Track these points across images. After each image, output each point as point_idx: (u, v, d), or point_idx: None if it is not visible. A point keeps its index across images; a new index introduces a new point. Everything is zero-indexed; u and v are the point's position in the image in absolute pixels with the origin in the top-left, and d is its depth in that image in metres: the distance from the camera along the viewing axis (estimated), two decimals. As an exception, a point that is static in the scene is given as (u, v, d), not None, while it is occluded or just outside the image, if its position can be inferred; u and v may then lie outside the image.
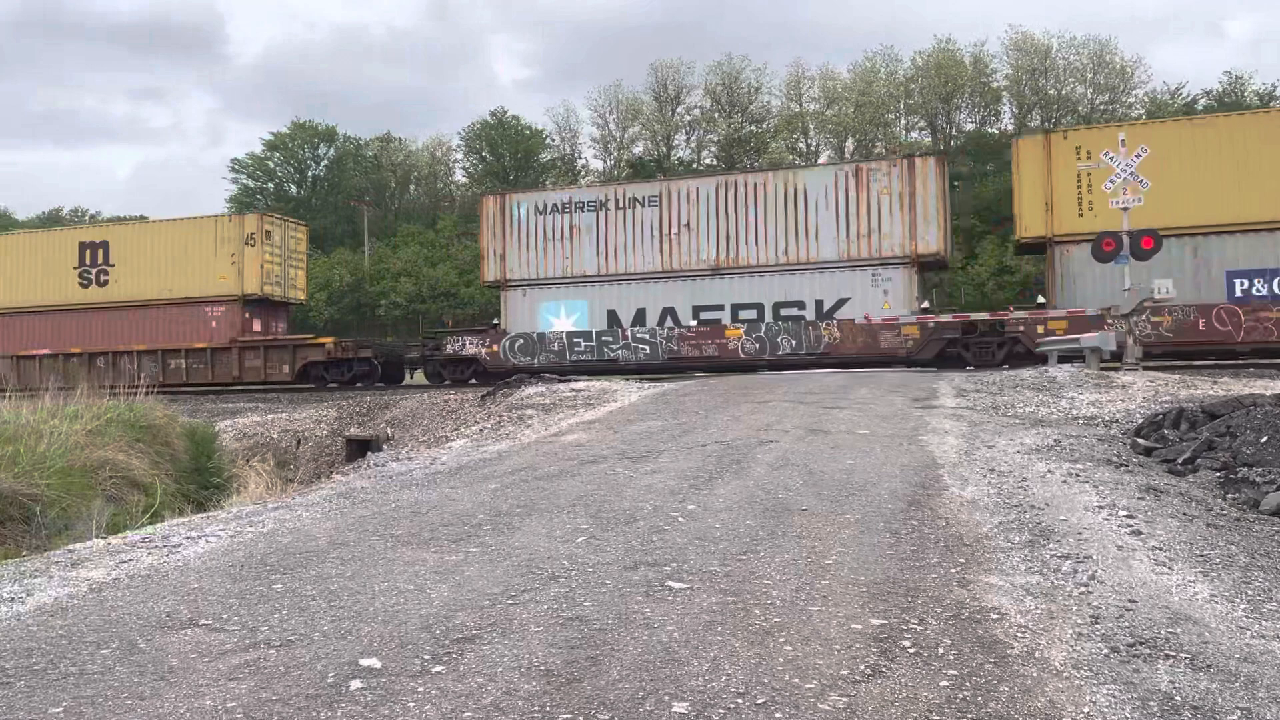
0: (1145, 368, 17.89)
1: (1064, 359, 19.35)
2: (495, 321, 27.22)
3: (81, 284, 29.26)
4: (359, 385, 26.50)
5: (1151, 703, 3.32)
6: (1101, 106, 58.45)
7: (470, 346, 26.37)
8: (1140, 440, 9.41)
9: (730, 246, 25.22)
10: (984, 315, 24.20)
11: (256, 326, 28.47)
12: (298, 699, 3.33)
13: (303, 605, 4.47)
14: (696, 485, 7.33)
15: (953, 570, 4.92)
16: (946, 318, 24.06)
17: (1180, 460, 8.35)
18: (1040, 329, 22.44)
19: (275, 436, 20.39)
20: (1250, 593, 4.68)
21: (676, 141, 67.28)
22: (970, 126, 62.42)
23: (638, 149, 67.27)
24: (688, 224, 25.49)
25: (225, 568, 5.24)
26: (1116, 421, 11.02)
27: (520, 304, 26.46)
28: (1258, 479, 7.43)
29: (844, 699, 3.29)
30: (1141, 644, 3.88)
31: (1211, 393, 12.46)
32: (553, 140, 70.25)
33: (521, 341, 25.96)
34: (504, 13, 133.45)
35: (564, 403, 15.09)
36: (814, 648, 3.78)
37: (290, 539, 5.97)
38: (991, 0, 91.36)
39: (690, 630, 3.99)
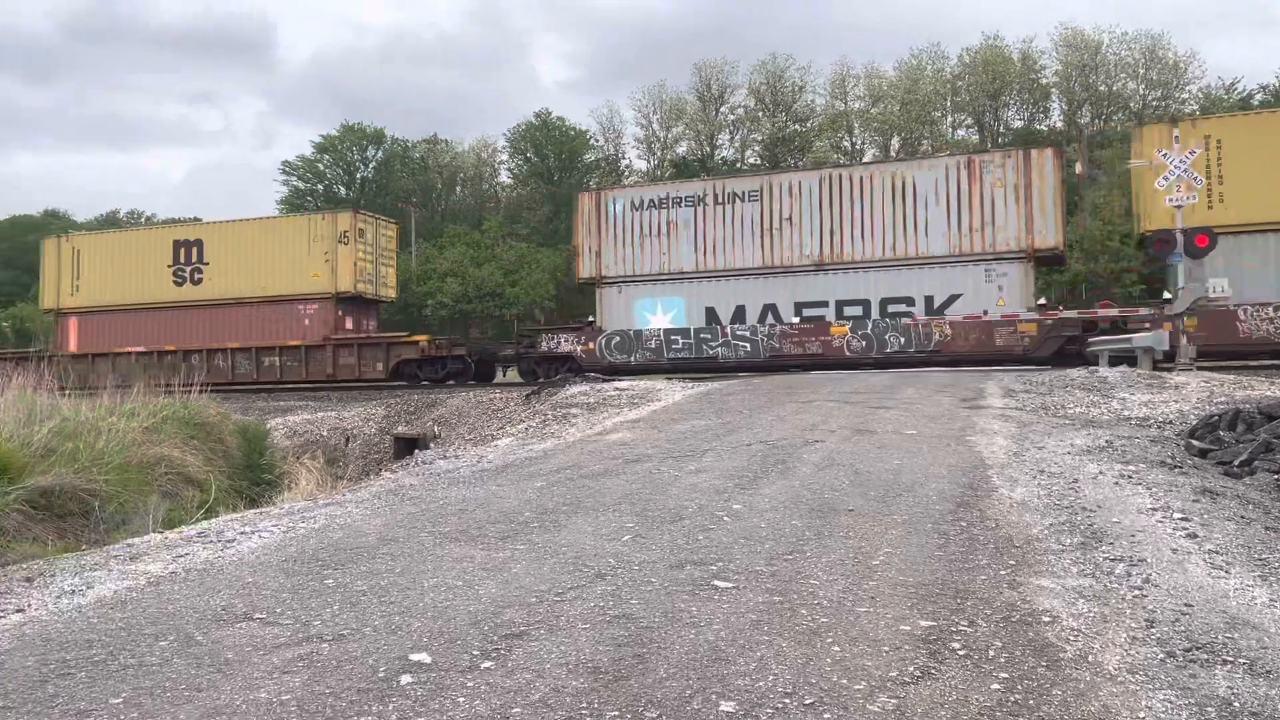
0: (1201, 368, 17.53)
1: (1115, 360, 19.03)
2: (590, 319, 26.80)
3: (176, 282, 29.43)
4: (451, 383, 26.45)
5: (1209, 709, 3.26)
6: (1154, 103, 57.36)
7: (565, 344, 26.17)
8: (1195, 442, 9.22)
9: (834, 241, 24.62)
10: (1111, 312, 23.06)
11: (349, 324, 28.48)
12: (350, 692, 3.39)
13: (354, 600, 4.53)
14: (741, 485, 7.31)
15: (1003, 572, 4.86)
16: (1070, 314, 23.09)
17: (1237, 462, 8.17)
18: (1168, 326, 21.30)
19: (325, 434, 20.68)
20: (1311, 598, 4.57)
21: (720, 141, 67.18)
22: (1018, 124, 61.56)
23: (681, 149, 67.25)
24: (789, 218, 24.90)
25: (278, 563, 5.34)
26: (1170, 423, 10.81)
27: (616, 301, 26.06)
28: (1319, 482, 7.24)
29: (893, 701, 3.27)
30: (1198, 649, 3.81)
31: (1269, 394, 12.18)
32: (597, 141, 70.48)
33: (618, 339, 25.65)
34: (549, 14, 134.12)
35: (608, 402, 15.13)
36: (862, 649, 3.76)
37: (341, 535, 6.06)
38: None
39: (737, 629, 3.99)
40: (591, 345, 25.71)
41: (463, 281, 54.70)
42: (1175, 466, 7.95)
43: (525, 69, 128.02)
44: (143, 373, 27.53)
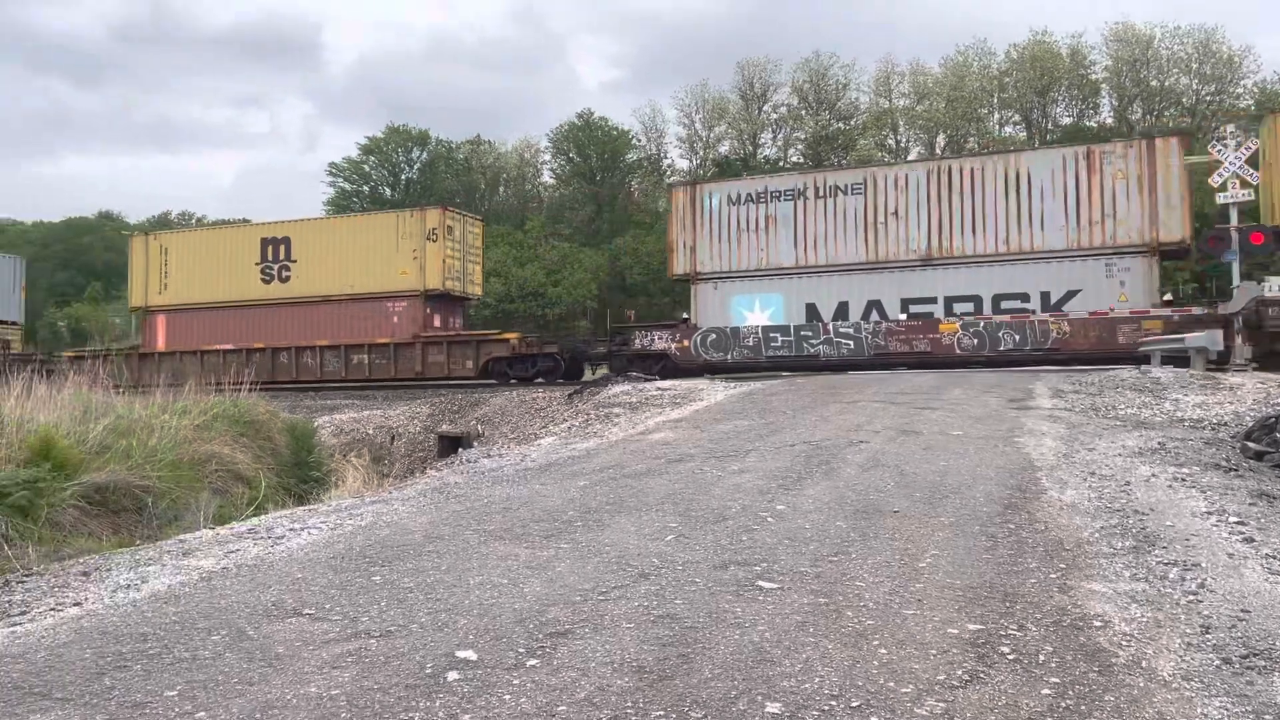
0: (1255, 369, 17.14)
1: (1167, 360, 18.67)
2: (685, 316, 26.27)
3: (264, 280, 29.20)
4: (539, 381, 26.08)
5: (1267, 716, 3.19)
6: (1208, 98, 56.14)
7: (659, 341, 25.63)
8: (1251, 444, 9.02)
9: (943, 235, 23.75)
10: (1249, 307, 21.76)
11: (436, 322, 28.16)
12: (398, 688, 3.42)
13: (401, 597, 4.58)
14: (785, 485, 7.28)
15: (1052, 576, 4.79)
16: (1198, 311, 21.64)
17: (1295, 466, 7.98)
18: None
19: (371, 432, 20.92)
20: (1374, 605, 4.45)
21: (763, 140, 66.85)
22: (1067, 120, 60.56)
23: (723, 148, 67.05)
24: (895, 212, 24.08)
25: (327, 559, 5.41)
26: (1224, 424, 10.58)
27: (711, 298, 25.46)
28: (1381, 486, 7.05)
29: (941, 704, 3.24)
30: (1256, 655, 3.72)
31: (1329, 395, 11.88)
32: (639, 141, 70.50)
33: (714, 337, 25.02)
34: (589, 16, 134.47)
35: (650, 401, 15.14)
36: (909, 651, 3.72)
37: (387, 532, 6.12)
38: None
39: (782, 631, 3.97)
40: (686, 343, 25.16)
41: (505, 281, 55.02)
42: (1230, 469, 7.79)
43: (566, 70, 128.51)
44: (232, 370, 27.90)
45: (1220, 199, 20.87)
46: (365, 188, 74.27)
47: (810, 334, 24.32)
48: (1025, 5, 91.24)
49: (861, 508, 6.40)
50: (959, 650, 3.74)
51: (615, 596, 4.50)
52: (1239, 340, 17.80)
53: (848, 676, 3.47)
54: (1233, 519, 5.99)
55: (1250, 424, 10.10)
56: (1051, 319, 22.44)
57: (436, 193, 69.08)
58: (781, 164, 64.05)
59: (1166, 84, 57.55)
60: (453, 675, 3.54)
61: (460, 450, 14.78)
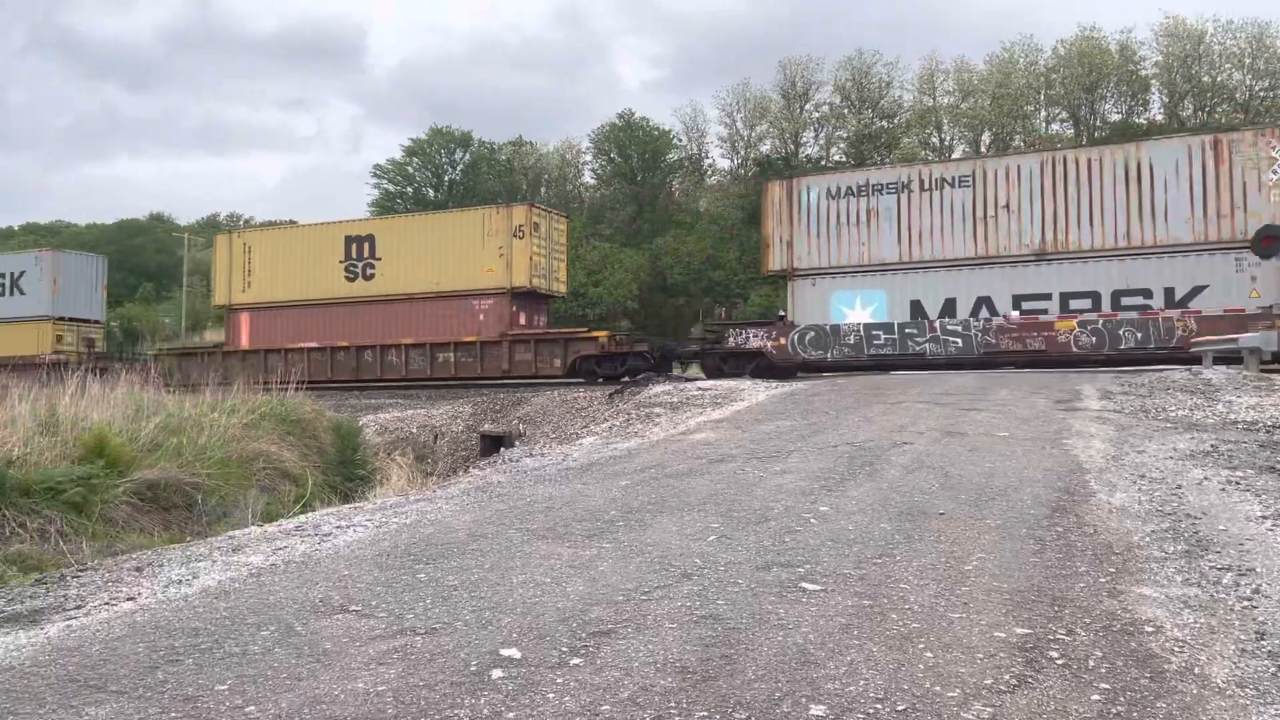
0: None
1: (1219, 360, 18.29)
2: (781, 313, 25.53)
3: (348, 277, 28.84)
4: (624, 379, 25.38)
5: (1326, 727, 3.11)
6: (1261, 93, 54.91)
7: (755, 340, 24.95)
8: (1308, 447, 8.80)
9: (1058, 229, 22.66)
10: None
11: (522, 320, 27.57)
12: (443, 685, 3.45)
13: (445, 595, 4.62)
14: (828, 486, 7.24)
15: (1102, 580, 4.71)
16: None
17: (1355, 469, 7.77)
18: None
19: (414, 431, 21.12)
20: None
21: (805, 139, 66.48)
22: (1116, 117, 59.57)
23: (765, 147, 66.79)
24: (1006, 205, 23.07)
25: (372, 556, 5.47)
26: (1279, 427, 10.35)
27: (809, 294, 24.62)
28: None
29: (988, 709, 3.20)
30: (1314, 664, 3.64)
31: (1390, 397, 11.56)
32: (680, 141, 70.45)
33: (812, 334, 24.26)
34: (630, 17, 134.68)
35: (691, 401, 15.13)
36: (955, 655, 3.68)
37: (432, 530, 6.18)
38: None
39: (826, 633, 3.95)
40: (783, 341, 24.42)
41: (547, 281, 55.15)
42: (1286, 473, 7.60)
43: (607, 70, 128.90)
44: (317, 369, 27.35)
45: (1276, 196, 20.37)
46: (409, 189, 74.98)
47: (915, 331, 23.46)
48: (1073, 2, 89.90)
49: (906, 509, 6.35)
50: (1006, 654, 3.70)
51: (658, 596, 4.51)
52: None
53: (893, 680, 3.44)
54: (1289, 524, 5.85)
55: (1307, 426, 9.87)
56: (1177, 316, 21.23)
57: (479, 193, 69.59)
58: (824, 163, 63.65)
59: (1219, 79, 56.38)
60: (497, 673, 3.57)
61: (502, 449, 14.86)
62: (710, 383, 18.67)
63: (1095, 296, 22.36)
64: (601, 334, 26.78)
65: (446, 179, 75.04)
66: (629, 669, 3.58)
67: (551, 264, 28.39)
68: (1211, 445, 8.90)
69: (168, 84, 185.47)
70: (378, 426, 20.85)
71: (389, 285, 28.36)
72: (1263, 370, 17.00)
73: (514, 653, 3.78)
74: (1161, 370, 17.15)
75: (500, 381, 26.71)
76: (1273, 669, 3.58)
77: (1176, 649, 3.77)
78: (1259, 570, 4.87)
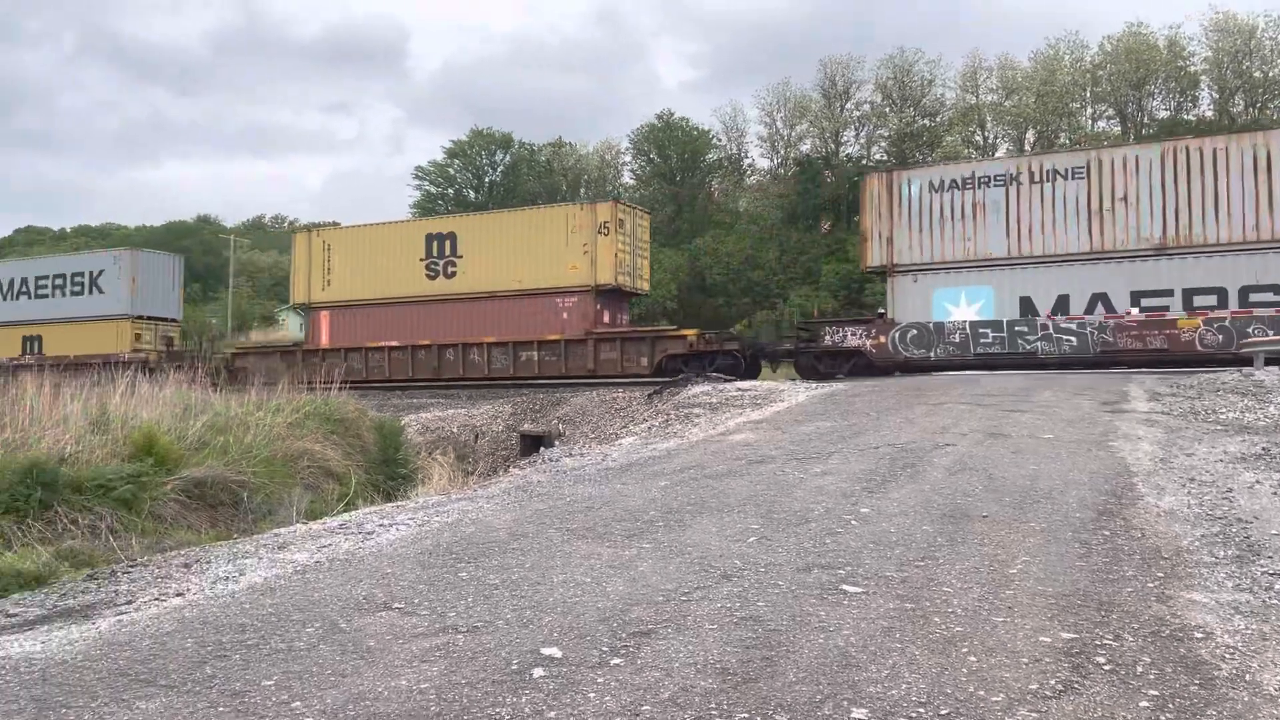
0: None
1: (1271, 361, 17.90)
2: (881, 310, 24.66)
3: (428, 275, 28.31)
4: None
5: (1384, 738, 3.04)
6: (1317, 87, 53.64)
7: (853, 338, 24.09)
8: (1365, 451, 8.59)
9: (1180, 222, 21.59)
10: None
11: (606, 318, 26.85)
12: (485, 683, 3.48)
13: (486, 593, 4.65)
14: (869, 488, 7.19)
15: (1150, 584, 4.64)
16: None
17: None
18: None
19: (455, 431, 21.28)
20: None
21: (845, 138, 66.03)
22: (1164, 114, 58.51)
23: (805, 146, 66.44)
24: (1124, 197, 22.00)
25: (415, 555, 5.52)
26: (1336, 430, 10.10)
27: (910, 291, 23.71)
28: None
29: (1034, 715, 3.16)
30: (1371, 673, 3.55)
31: None
32: (719, 140, 70.31)
33: (914, 332, 23.37)
34: (669, 17, 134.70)
35: (730, 402, 15.09)
36: (999, 659, 3.64)
37: (473, 529, 6.22)
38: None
39: (867, 636, 3.92)
40: (883, 339, 23.57)
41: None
42: (1342, 477, 7.43)
43: (646, 71, 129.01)
44: (397, 367, 27.29)
45: None
46: (450, 190, 75.57)
47: (1026, 329, 22.47)
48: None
49: (948, 512, 6.28)
50: (1052, 659, 3.65)
51: (698, 597, 4.50)
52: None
53: (935, 684, 3.41)
54: (1345, 529, 5.71)
55: (1363, 429, 9.64)
56: None
57: (518, 195, 69.97)
58: (865, 161, 63.19)
59: (1271, 75, 55.17)
60: (538, 672, 3.58)
61: (542, 449, 14.93)
62: (750, 383, 18.60)
63: (1221, 293, 21.29)
64: (690, 332, 25.93)
65: (487, 180, 75.53)
66: (669, 669, 3.58)
67: (635, 261, 27.68)
68: (1263, 448, 8.71)
69: (214, 88, 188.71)
70: (419, 426, 21.03)
71: (471, 283, 27.78)
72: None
73: (555, 652, 3.80)
74: (1209, 373, 16.82)
75: (582, 380, 25.92)
76: (1328, 678, 3.50)
77: (1227, 656, 3.70)
78: (1313, 576, 4.76)
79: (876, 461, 8.39)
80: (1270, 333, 20.23)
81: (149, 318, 34.07)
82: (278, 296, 73.55)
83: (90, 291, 34.31)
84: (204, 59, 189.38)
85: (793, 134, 67.16)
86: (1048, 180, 22.84)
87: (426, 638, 4.01)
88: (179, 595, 5.01)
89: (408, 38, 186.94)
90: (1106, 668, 3.57)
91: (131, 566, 6.08)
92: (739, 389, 17.01)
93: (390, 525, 6.64)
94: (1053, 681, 3.43)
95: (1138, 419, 11.00)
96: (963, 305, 23.25)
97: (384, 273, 28.98)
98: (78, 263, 35.78)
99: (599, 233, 26.33)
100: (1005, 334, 22.67)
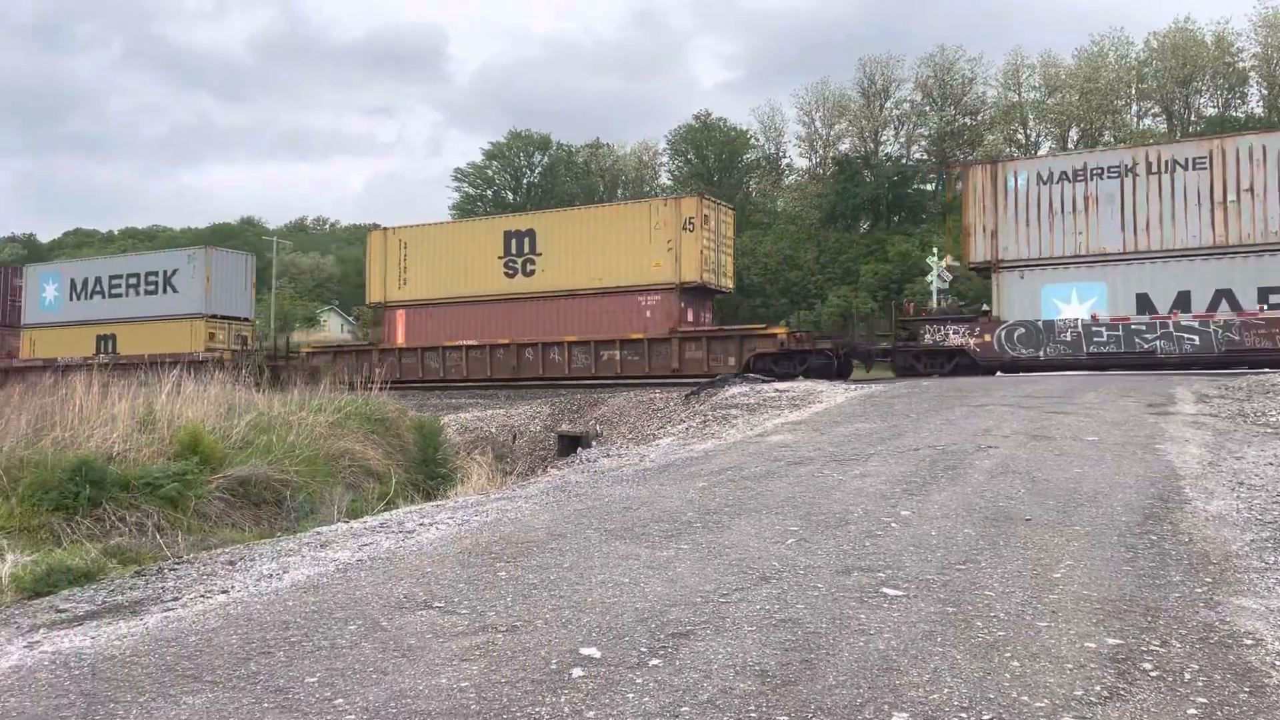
0: None
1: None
2: (985, 308, 24.00)
3: (507, 274, 27.86)
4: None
5: None
6: (1370, 82, 52.40)
7: (955, 336, 23.30)
8: None
9: None
10: None
11: (689, 316, 26.23)
12: (524, 683, 3.49)
13: (525, 593, 4.67)
14: (909, 490, 7.13)
15: (1198, 590, 4.55)
16: None
17: None
18: None
19: (494, 431, 21.41)
20: None
21: (884, 137, 65.58)
22: (1211, 111, 57.44)
23: (844, 146, 66.07)
24: (1250, 188, 20.98)
25: (455, 554, 5.56)
26: (1392, 433, 9.86)
27: (1017, 287, 22.87)
28: None
29: (1078, 720, 3.12)
30: None
31: None
32: (757, 140, 70.10)
33: (1022, 331, 22.50)
34: (706, 18, 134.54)
35: (768, 403, 15.03)
36: (1043, 665, 3.60)
37: (511, 529, 6.25)
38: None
39: (908, 639, 3.89)
40: (988, 338, 22.75)
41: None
42: (1398, 481, 7.25)
43: (683, 72, 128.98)
44: (475, 366, 27.12)
45: None
46: (489, 192, 76.04)
47: (1143, 328, 21.53)
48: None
49: (990, 515, 6.21)
50: (1097, 665, 3.60)
51: (736, 599, 4.49)
52: None
53: (978, 688, 3.37)
54: (1401, 535, 5.57)
55: None
56: None
57: (556, 196, 70.26)
58: (904, 160, 62.72)
59: (1323, 70, 53.95)
60: (577, 672, 3.60)
61: (579, 449, 14.97)
62: (787, 384, 18.52)
63: None
64: (781, 330, 25.20)
65: (525, 182, 75.91)
66: (708, 671, 3.57)
67: (719, 258, 26.96)
68: (1316, 452, 8.53)
69: (258, 92, 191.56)
70: (458, 426, 21.17)
71: (550, 281, 27.29)
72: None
73: (594, 652, 3.81)
74: (1260, 374, 16.49)
75: (665, 380, 25.35)
76: (1384, 687, 3.42)
77: (1278, 663, 3.63)
78: (1368, 583, 4.65)
79: (916, 463, 8.32)
80: None
81: (222, 317, 33.79)
82: (319, 297, 74.51)
83: (164, 290, 34.11)
84: (248, 64, 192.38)
85: (831, 133, 66.84)
86: (1166, 171, 21.82)
87: (466, 636, 4.04)
88: (224, 592, 5.08)
89: (447, 41, 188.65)
90: (1153, 674, 3.51)
91: (178, 564, 6.18)
92: (777, 390, 16.94)
93: (430, 524, 6.69)
94: (1098, 688, 3.38)
95: (1184, 421, 10.80)
96: (1074, 302, 22.31)
97: (461, 271, 28.51)
98: (152, 261, 35.52)
99: (684, 229, 25.65)
100: (1121, 333, 21.75)
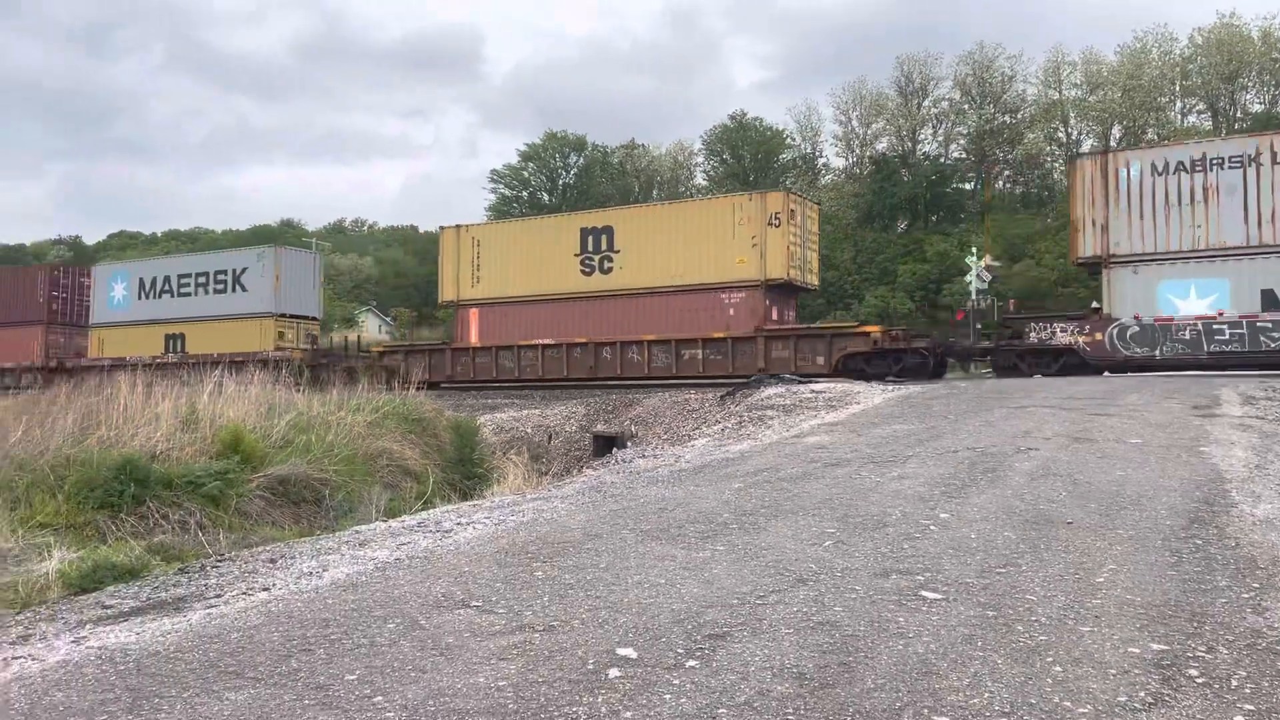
0: None
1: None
2: (1095, 305, 23.13)
3: (584, 271, 27.22)
4: (889, 378, 23.00)
5: None
6: None
7: (1062, 335, 22.33)
8: None
9: None
10: None
11: (774, 314, 25.43)
12: (561, 683, 3.50)
13: (562, 593, 4.68)
14: (948, 493, 7.06)
15: (1245, 595, 4.47)
16: None
17: None
18: None
19: (529, 431, 21.48)
20: None
21: (922, 136, 65.08)
22: (1258, 108, 56.39)
23: (881, 145, 65.65)
24: None
25: (492, 554, 5.59)
26: None
27: (1130, 284, 21.85)
28: None
29: (1122, 727, 3.07)
30: None
31: None
32: (793, 140, 69.83)
33: (1136, 329, 21.54)
34: (741, 18, 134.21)
35: (804, 404, 14.96)
36: (1086, 670, 3.54)
37: (548, 529, 6.27)
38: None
39: (948, 643, 3.85)
40: (1099, 336, 21.81)
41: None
42: None
43: (719, 72, 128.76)
44: (551, 366, 26.72)
45: None
46: (524, 193, 76.41)
47: (1270, 326, 20.37)
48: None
49: (1031, 518, 6.14)
50: (1141, 671, 3.54)
51: (773, 601, 4.47)
52: None
53: (1019, 693, 3.33)
54: None
55: None
56: None
57: (592, 196, 70.46)
58: (942, 160, 62.16)
59: (1375, 64, 52.80)
60: (614, 672, 3.60)
61: (615, 450, 14.99)
62: (823, 385, 18.41)
63: None
64: (874, 328, 24.31)
65: (560, 182, 76.19)
66: (745, 673, 3.56)
67: (805, 254, 26.18)
68: (1367, 455, 8.34)
69: (296, 94, 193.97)
70: (494, 426, 21.27)
71: (629, 279, 26.58)
72: None
73: (630, 652, 3.81)
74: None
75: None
76: None
77: (1330, 672, 3.55)
78: None
79: (955, 466, 8.24)
80: None
81: (291, 315, 33.43)
82: (357, 299, 75.21)
83: (234, 289, 33.74)
84: (286, 67, 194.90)
85: (868, 132, 66.51)
86: None
87: (503, 636, 4.06)
88: (265, 590, 5.14)
89: (483, 42, 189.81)
90: (1199, 680, 3.45)
91: (220, 561, 6.27)
92: (813, 391, 16.85)
93: (467, 524, 6.73)
94: (1142, 694, 3.33)
95: (1230, 423, 10.61)
96: (1192, 299, 21.29)
97: (536, 269, 27.97)
98: (221, 260, 35.18)
99: (769, 224, 24.83)
100: (1245, 331, 20.63)
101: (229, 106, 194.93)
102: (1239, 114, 56.57)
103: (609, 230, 27.16)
